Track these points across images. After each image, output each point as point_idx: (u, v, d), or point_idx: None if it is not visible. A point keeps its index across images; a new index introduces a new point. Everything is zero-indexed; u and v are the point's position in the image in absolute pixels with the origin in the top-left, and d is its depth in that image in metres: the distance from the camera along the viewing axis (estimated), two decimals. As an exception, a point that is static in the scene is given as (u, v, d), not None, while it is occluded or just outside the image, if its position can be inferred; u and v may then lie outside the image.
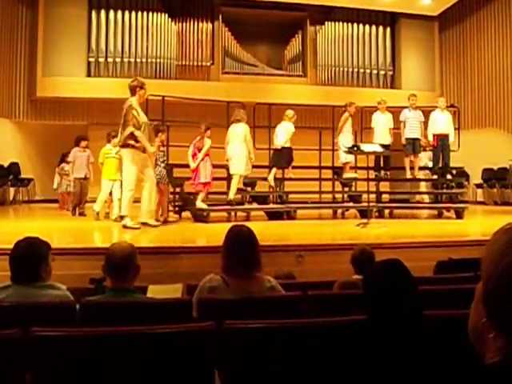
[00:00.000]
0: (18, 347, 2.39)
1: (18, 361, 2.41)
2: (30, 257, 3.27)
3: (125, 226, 7.92)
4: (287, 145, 10.56)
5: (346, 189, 11.40)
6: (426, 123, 11.18)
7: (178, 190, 10.24)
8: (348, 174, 10.99)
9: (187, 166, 9.79)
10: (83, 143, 10.85)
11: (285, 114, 10.74)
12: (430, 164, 11.93)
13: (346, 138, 10.84)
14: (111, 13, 14.58)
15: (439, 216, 10.78)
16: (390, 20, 16.20)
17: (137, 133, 7.91)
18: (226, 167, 10.13)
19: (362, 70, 15.88)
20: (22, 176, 14.00)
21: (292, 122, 10.67)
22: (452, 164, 11.48)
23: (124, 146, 7.97)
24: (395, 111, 11.46)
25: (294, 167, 10.91)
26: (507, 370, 0.98)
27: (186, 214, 9.93)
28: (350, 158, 10.79)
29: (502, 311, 1.02)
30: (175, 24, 14.99)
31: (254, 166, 11.11)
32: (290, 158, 10.63)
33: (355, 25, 15.98)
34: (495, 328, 1.03)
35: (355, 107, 10.95)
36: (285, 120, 10.68)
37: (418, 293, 2.34)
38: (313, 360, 2.57)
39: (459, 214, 10.21)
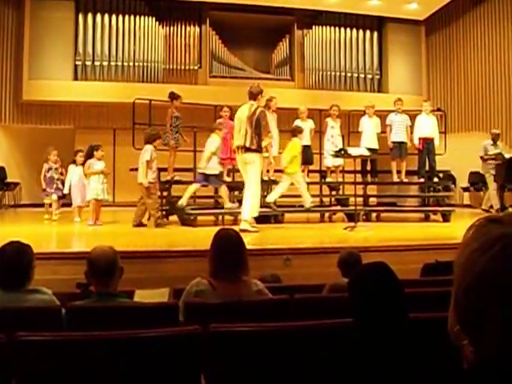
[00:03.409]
0: (3, 352, 2.37)
1: (3, 366, 2.39)
2: (18, 262, 3.25)
3: (244, 230, 7.80)
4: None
5: (334, 192, 11.42)
6: (412, 127, 11.24)
7: (165, 193, 10.19)
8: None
9: (175, 169, 9.87)
10: (157, 142, 9.37)
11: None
12: None
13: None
14: (98, 16, 14.52)
15: (426, 219, 10.84)
16: (377, 24, 16.26)
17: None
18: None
19: (349, 74, 15.92)
20: (9, 180, 13.90)
21: (300, 119, 10.91)
22: (439, 167, 11.55)
23: (257, 150, 8.16)
24: (382, 115, 11.51)
25: (279, 171, 10.91)
26: (473, 380, 0.97)
27: (174, 217, 9.91)
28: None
29: (470, 322, 1.01)
30: (162, 28, 14.97)
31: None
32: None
33: (342, 29, 16.03)
34: (467, 336, 1.02)
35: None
36: None
37: (404, 295, 2.34)
38: (299, 363, 2.57)
39: (446, 217, 10.26)
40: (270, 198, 9.55)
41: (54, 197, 10.35)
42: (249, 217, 8.30)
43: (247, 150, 8.11)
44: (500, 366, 0.94)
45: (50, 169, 10.49)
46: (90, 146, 9.73)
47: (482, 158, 11.77)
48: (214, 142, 9.41)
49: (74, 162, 10.26)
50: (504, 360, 0.93)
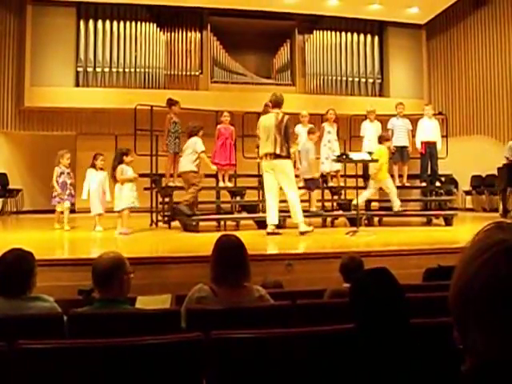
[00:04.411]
0: (4, 361, 2.37)
1: (4, 375, 2.39)
2: (19, 269, 3.24)
3: (304, 232, 8.44)
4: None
5: (336, 197, 11.41)
6: (413, 131, 11.25)
7: (167, 199, 10.20)
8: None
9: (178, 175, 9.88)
10: (201, 133, 9.68)
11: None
12: None
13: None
14: (99, 23, 14.56)
15: (428, 223, 10.81)
16: (377, 28, 16.28)
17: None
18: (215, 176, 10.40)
19: (350, 79, 15.94)
20: (11, 187, 13.92)
21: (301, 124, 11.03)
22: (440, 171, 11.54)
23: (287, 157, 8.47)
24: (383, 119, 11.51)
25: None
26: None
27: (176, 223, 9.91)
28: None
29: (463, 326, 1.00)
30: (164, 34, 15.01)
31: (242, 175, 11.20)
32: None
33: (343, 33, 16.05)
34: (461, 339, 1.01)
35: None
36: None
37: (405, 300, 2.34)
38: (301, 369, 2.56)
39: (448, 221, 10.24)
40: (358, 201, 9.83)
41: (67, 204, 9.71)
42: (303, 217, 8.62)
43: (277, 156, 8.35)
44: (493, 371, 0.93)
45: (62, 173, 9.71)
46: (120, 150, 9.23)
47: (508, 159, 11.61)
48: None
49: (94, 166, 9.65)
50: (494, 366, 0.93)
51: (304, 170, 10.16)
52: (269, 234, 8.52)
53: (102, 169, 9.59)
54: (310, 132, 10.36)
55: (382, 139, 10.29)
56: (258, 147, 9.07)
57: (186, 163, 9.35)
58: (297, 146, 9.28)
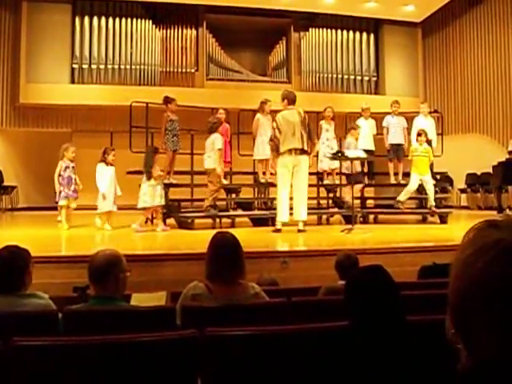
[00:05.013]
0: (-1, 358, 2.36)
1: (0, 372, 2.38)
2: (13, 266, 3.23)
3: (303, 231, 8.53)
4: None
5: (331, 194, 11.42)
6: (409, 129, 11.26)
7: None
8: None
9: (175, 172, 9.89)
10: (221, 128, 9.72)
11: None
12: None
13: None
14: (95, 19, 14.54)
15: (423, 221, 10.83)
16: (373, 26, 16.30)
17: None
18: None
19: (346, 76, 15.95)
20: (5, 184, 13.88)
21: None
22: (436, 169, 11.56)
23: (309, 153, 8.69)
24: (379, 117, 11.52)
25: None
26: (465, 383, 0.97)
27: (171, 220, 9.90)
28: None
29: (464, 326, 1.00)
30: (159, 30, 14.99)
31: (238, 173, 11.20)
32: None
33: (339, 31, 16.06)
34: (461, 339, 1.02)
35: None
36: None
37: (400, 298, 2.34)
38: (297, 366, 2.56)
39: (443, 219, 10.27)
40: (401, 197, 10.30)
41: (74, 204, 9.33)
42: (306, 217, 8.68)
43: (303, 152, 8.45)
44: (492, 370, 0.94)
45: (67, 167, 9.18)
46: (152, 148, 9.30)
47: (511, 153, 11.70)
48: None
49: (104, 161, 9.23)
50: (496, 365, 0.94)
51: (347, 165, 10.28)
52: (276, 231, 8.58)
53: (111, 164, 9.30)
54: (352, 128, 10.57)
55: (416, 135, 10.38)
56: (272, 141, 8.73)
57: (210, 161, 9.33)
58: (318, 142, 9.61)
